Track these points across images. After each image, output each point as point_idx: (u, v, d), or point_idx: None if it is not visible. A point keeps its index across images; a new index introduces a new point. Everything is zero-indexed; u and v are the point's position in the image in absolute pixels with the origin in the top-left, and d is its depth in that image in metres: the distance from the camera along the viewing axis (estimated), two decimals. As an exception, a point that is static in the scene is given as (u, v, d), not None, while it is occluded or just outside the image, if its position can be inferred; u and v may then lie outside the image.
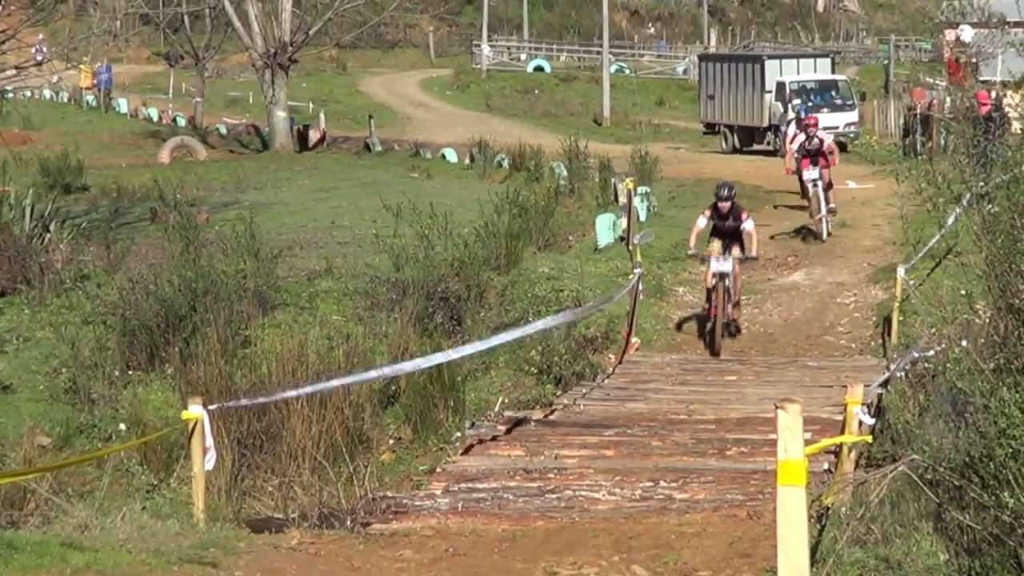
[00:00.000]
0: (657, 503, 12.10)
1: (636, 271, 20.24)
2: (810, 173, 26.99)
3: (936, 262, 20.21)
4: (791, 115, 33.01)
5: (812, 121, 28.10)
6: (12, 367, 18.14)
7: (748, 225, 19.96)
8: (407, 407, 16.90)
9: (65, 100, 66.58)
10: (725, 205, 19.98)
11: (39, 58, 31.30)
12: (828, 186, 27.09)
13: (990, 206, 11.35)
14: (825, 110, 42.77)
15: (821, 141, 27.01)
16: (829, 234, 26.89)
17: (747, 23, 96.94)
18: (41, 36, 43.78)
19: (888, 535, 9.70)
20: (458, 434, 16.06)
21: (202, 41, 60.71)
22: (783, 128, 38.01)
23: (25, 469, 14.00)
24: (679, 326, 21.13)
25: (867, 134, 46.42)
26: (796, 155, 27.44)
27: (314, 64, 73.49)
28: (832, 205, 27.09)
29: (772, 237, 26.76)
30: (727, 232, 20.09)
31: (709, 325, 19.94)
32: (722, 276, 19.66)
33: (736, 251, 19.98)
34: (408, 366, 15.19)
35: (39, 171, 37.29)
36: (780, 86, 45.79)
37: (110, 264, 21.94)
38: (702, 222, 20.15)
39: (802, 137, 27.28)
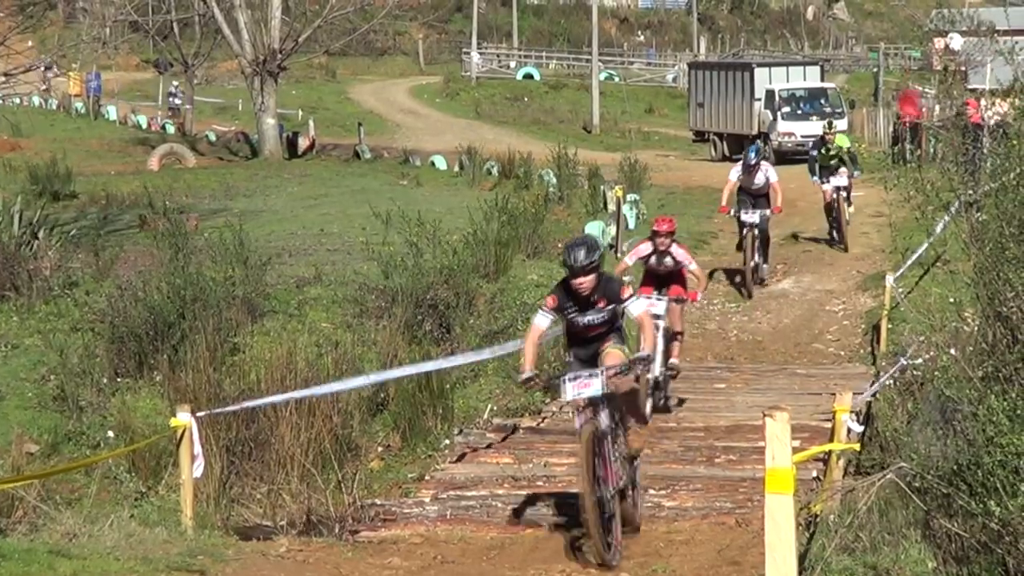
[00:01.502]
0: (646, 511, 12.10)
1: (625, 279, 20.20)
2: (652, 309, 15.51)
3: (925, 270, 20.25)
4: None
5: (664, 226, 16.51)
6: (0, 374, 18.09)
7: (635, 308, 11.02)
8: (396, 414, 16.88)
9: (54, 107, 66.50)
10: (583, 282, 10.71)
11: (43, 67, 31.22)
12: (674, 335, 16.48)
13: (978, 214, 11.38)
14: (814, 118, 42.86)
15: (676, 260, 16.48)
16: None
17: (736, 31, 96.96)
18: (30, 43, 43.70)
19: (876, 543, 9.70)
20: (447, 441, 16.06)
21: (191, 48, 60.66)
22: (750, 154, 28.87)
23: (13, 477, 13.95)
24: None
25: (856, 142, 46.49)
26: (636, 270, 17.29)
27: (303, 71, 73.38)
28: (673, 362, 16.39)
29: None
30: (593, 332, 11.06)
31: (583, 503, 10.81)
32: (594, 408, 10.80)
33: (613, 357, 10.95)
34: (396, 373, 15.16)
35: (28, 178, 37.19)
36: (769, 94, 45.96)
37: (99, 271, 21.86)
38: (542, 321, 10.98)
39: (646, 249, 16.60)
